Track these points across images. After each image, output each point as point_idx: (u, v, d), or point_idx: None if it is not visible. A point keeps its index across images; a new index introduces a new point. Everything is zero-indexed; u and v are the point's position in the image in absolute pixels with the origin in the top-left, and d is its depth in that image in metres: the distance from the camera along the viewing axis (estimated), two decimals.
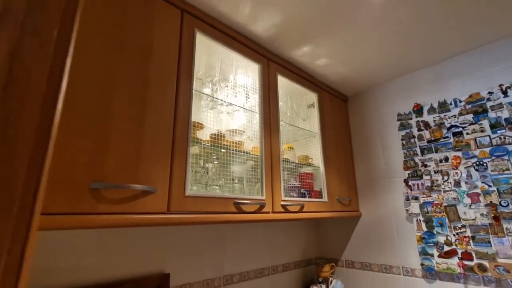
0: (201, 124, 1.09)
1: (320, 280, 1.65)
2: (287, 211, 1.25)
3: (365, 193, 1.75)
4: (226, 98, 1.27)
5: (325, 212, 1.47)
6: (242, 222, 1.07)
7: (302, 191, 1.44)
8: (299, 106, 1.73)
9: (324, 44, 1.38)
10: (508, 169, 1.21)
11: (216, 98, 1.21)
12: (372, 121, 1.79)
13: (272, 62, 1.43)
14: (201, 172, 1.10)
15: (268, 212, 1.17)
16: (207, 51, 1.25)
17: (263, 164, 1.22)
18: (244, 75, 1.40)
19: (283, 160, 1.38)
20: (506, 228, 1.19)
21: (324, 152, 1.61)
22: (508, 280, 1.16)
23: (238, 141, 1.25)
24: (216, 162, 1.17)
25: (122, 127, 0.81)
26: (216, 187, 1.12)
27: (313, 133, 1.64)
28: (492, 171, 1.25)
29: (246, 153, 1.24)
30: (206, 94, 1.18)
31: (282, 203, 1.23)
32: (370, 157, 1.76)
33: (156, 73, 0.93)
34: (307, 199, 1.40)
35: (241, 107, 1.29)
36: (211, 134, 1.14)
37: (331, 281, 1.63)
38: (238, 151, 1.21)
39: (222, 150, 1.17)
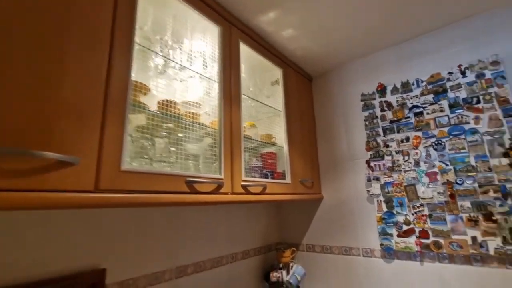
0: (146, 85, 0.89)
1: (281, 266, 1.58)
2: (248, 193, 1.12)
3: (328, 175, 1.71)
4: (180, 62, 1.08)
5: (288, 195, 1.38)
6: (196, 204, 0.91)
7: (264, 171, 1.33)
8: (263, 82, 1.60)
9: (292, 10, 1.25)
10: (464, 148, 1.24)
11: (166, 58, 1.02)
12: (336, 102, 1.75)
13: (234, 27, 1.27)
14: (146, 145, 0.91)
15: (227, 193, 1.03)
16: (154, 2, 1.04)
17: (221, 139, 1.07)
18: (202, 40, 1.22)
19: (245, 137, 1.24)
20: (461, 205, 1.21)
21: (288, 132, 1.51)
22: (461, 255, 1.20)
23: (194, 112, 1.08)
24: (166, 134, 0.99)
25: (26, 77, 0.59)
26: (165, 163, 0.94)
27: (277, 111, 1.53)
28: (449, 150, 1.27)
29: (203, 125, 1.08)
30: (154, 52, 0.98)
31: (243, 183, 1.10)
32: (333, 139, 1.72)
33: (81, 17, 0.71)
34: (270, 180, 1.29)
35: (197, 73, 1.12)
36: (161, 101, 0.95)
37: (292, 266, 1.57)
38: (194, 123, 1.04)
39: (171, 126, 0.99)
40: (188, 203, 0.87)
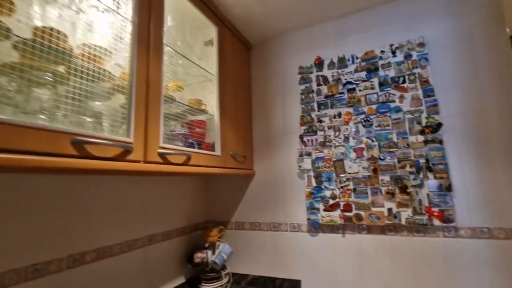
0: None
1: (207, 246, 1.45)
2: (168, 162, 0.93)
3: (261, 150, 1.62)
4: None
5: (217, 168, 1.24)
6: (90, 172, 0.69)
7: (190, 141, 1.15)
8: (195, 40, 1.38)
9: None
10: (388, 125, 1.29)
11: None
12: (274, 74, 1.65)
13: None
14: (10, 88, 0.63)
15: (138, 161, 0.83)
16: None
17: (133, 94, 0.84)
18: None
19: (167, 98, 1.03)
20: (381, 180, 1.27)
21: (220, 100, 1.35)
22: (378, 225, 1.27)
23: (95, 54, 0.82)
24: (50, 80, 0.71)
25: None
26: (43, 116, 0.67)
27: (210, 75, 1.35)
28: (376, 127, 1.31)
29: (109, 74, 0.83)
30: None
31: (161, 151, 0.91)
32: (269, 112, 1.63)
33: None
34: (196, 150, 1.12)
35: (101, 2, 0.84)
36: (36, 27, 0.67)
37: (218, 245, 1.47)
38: (95, 70, 0.79)
39: (61, 71, 0.72)
40: (76, 171, 0.64)
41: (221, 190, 1.72)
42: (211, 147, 1.28)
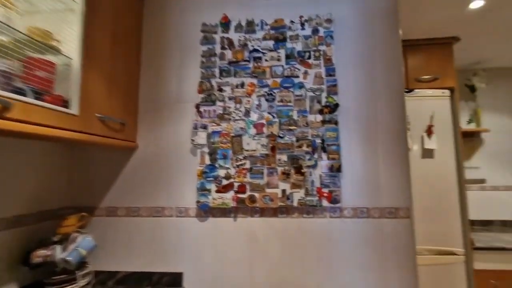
0: None
1: (55, 239, 1.07)
2: None
3: (148, 118, 1.31)
4: None
5: (70, 132, 0.88)
6: None
7: (20, 85, 0.76)
8: None
9: None
10: (291, 102, 1.21)
11: None
12: (172, 27, 1.35)
13: None
14: None
15: None
16: None
17: None
18: None
19: None
20: (279, 159, 1.18)
21: (87, 40, 0.97)
22: (270, 208, 1.18)
23: None
24: None
25: None
26: None
27: (72, 2, 0.95)
28: (278, 102, 1.21)
29: None
30: None
31: None
32: (162, 73, 1.33)
33: None
34: (25, 98, 0.74)
35: None
36: None
37: (75, 238, 1.10)
38: None
39: None
40: None
41: (91, 166, 1.32)
42: (63, 102, 0.90)
